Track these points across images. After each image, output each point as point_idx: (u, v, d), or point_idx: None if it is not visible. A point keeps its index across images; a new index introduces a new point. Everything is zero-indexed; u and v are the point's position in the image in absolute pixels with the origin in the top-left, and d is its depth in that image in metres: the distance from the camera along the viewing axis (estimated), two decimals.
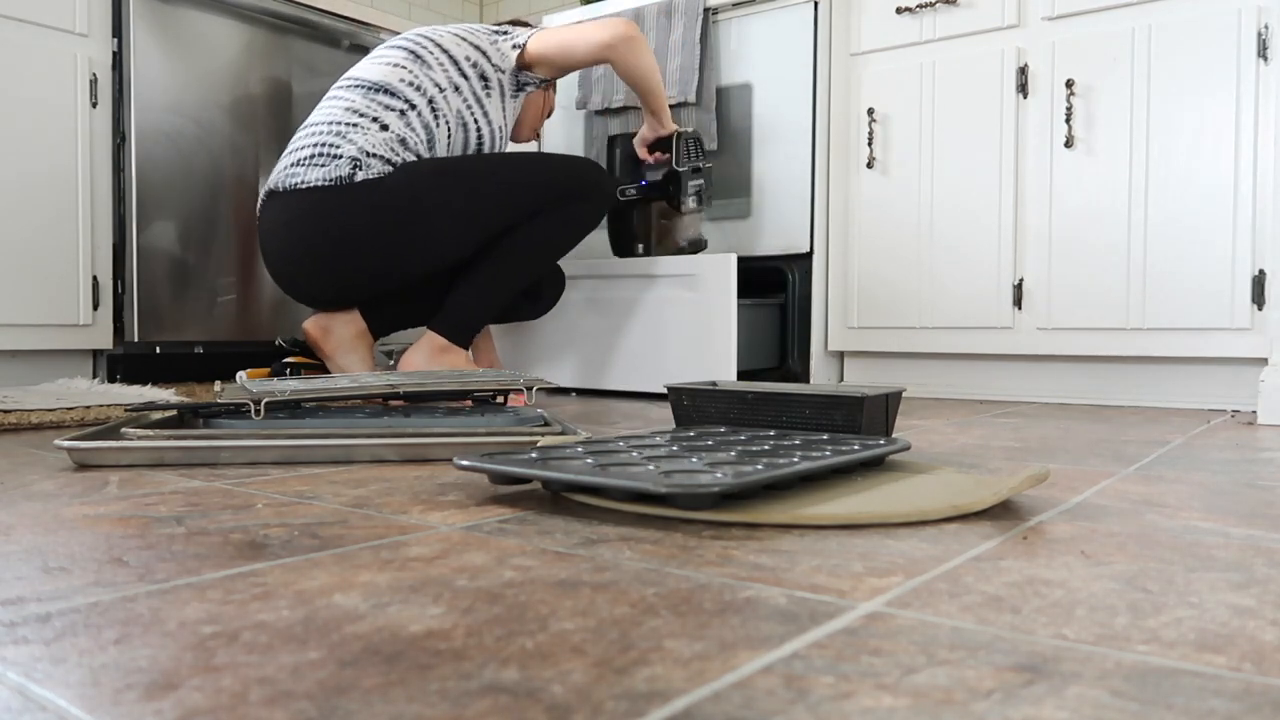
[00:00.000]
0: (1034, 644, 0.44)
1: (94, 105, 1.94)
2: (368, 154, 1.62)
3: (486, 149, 1.77)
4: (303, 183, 1.63)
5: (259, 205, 1.73)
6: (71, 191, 1.90)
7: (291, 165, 1.66)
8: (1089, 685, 0.39)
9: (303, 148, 1.67)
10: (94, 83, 1.93)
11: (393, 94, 1.67)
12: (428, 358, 1.69)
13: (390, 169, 1.63)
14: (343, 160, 1.62)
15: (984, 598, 0.52)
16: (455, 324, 1.71)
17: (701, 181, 1.93)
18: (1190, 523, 0.73)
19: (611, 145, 2.04)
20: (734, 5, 2.11)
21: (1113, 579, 0.56)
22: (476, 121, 1.73)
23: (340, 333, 1.74)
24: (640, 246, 2.02)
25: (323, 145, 1.64)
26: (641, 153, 1.95)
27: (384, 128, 1.65)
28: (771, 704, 0.37)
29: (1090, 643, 0.45)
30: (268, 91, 2.20)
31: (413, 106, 1.66)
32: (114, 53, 1.97)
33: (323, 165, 1.63)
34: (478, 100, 1.73)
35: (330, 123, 1.67)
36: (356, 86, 1.70)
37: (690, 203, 1.91)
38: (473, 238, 1.68)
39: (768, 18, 2.07)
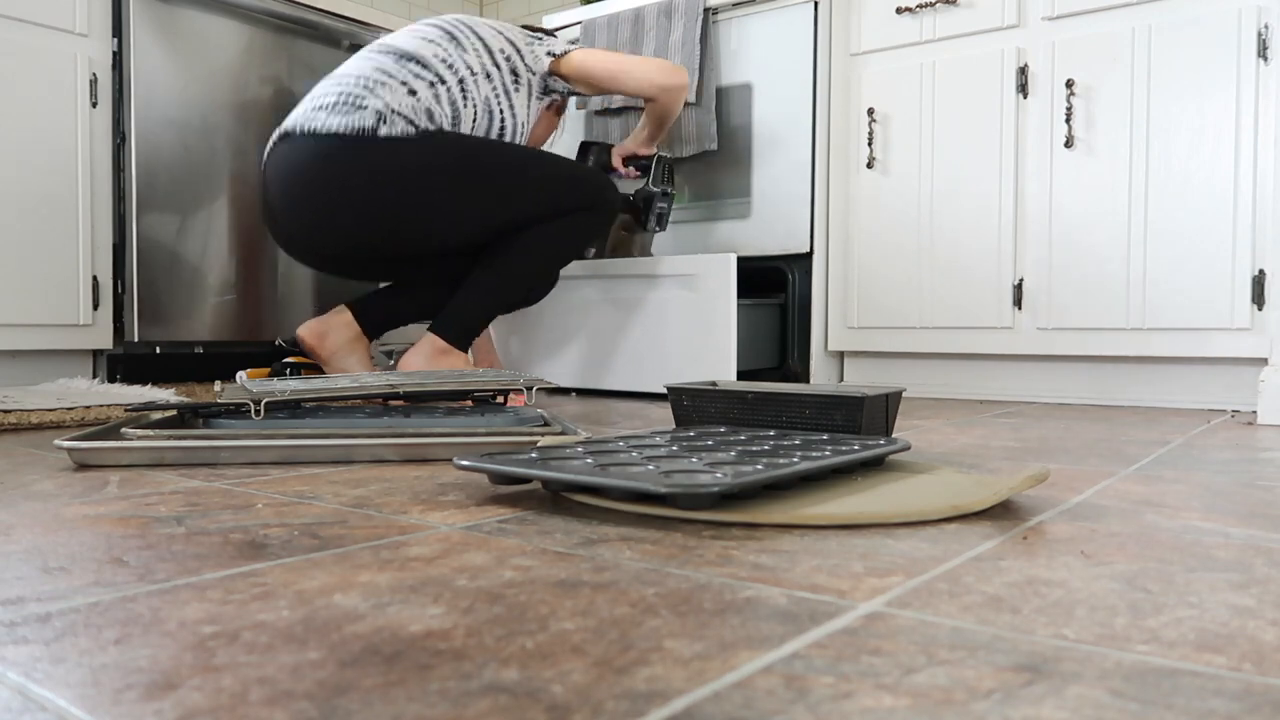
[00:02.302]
0: (1034, 644, 0.44)
1: (94, 105, 1.94)
2: (393, 111, 1.61)
3: (508, 139, 1.77)
4: (323, 127, 1.60)
5: (268, 147, 1.70)
6: (71, 192, 1.90)
7: (313, 109, 1.64)
8: (1089, 685, 0.39)
9: (326, 94, 1.64)
10: (94, 83, 1.93)
11: (424, 65, 1.66)
12: (427, 360, 1.69)
13: (413, 131, 1.62)
14: (367, 112, 1.60)
15: (984, 598, 0.52)
16: (457, 327, 1.71)
17: (665, 206, 1.97)
18: (1190, 523, 0.73)
19: (585, 151, 2.01)
20: (734, 5, 2.11)
21: (1113, 579, 0.56)
22: (502, 112, 1.72)
23: (335, 337, 1.73)
24: (592, 250, 2.06)
25: (348, 95, 1.62)
26: (617, 162, 1.95)
27: (412, 93, 1.63)
28: (771, 704, 0.37)
29: (1090, 643, 0.45)
30: (268, 91, 2.20)
31: (443, 81, 1.66)
32: (114, 53, 1.97)
33: (346, 113, 1.60)
34: (506, 92, 1.72)
35: (359, 76, 1.65)
36: (389, 53, 1.68)
37: (653, 223, 1.97)
38: (480, 225, 1.67)
39: (768, 18, 2.07)
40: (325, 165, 1.60)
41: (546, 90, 1.79)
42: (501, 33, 1.75)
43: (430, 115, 1.63)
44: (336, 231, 1.64)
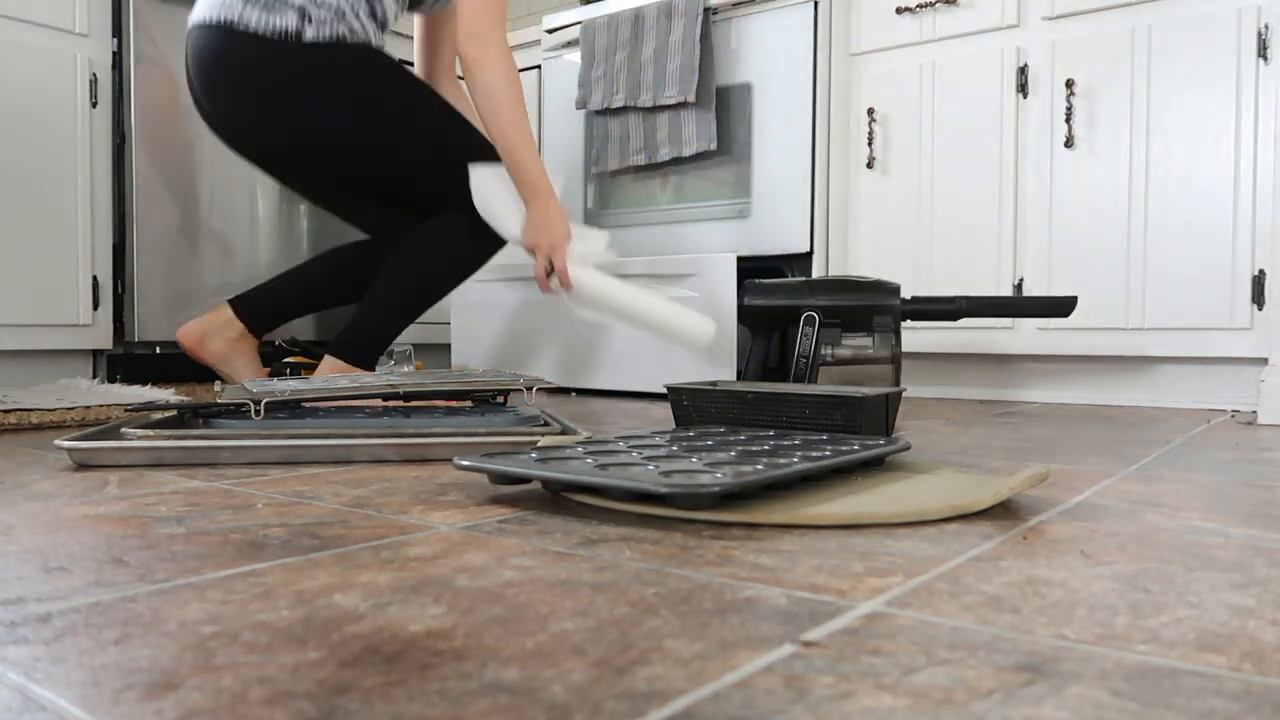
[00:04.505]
0: (1034, 644, 0.44)
1: (94, 105, 1.94)
2: (315, 4, 1.50)
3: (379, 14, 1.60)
4: (239, 22, 1.48)
5: (189, 25, 1.58)
6: (71, 191, 1.90)
7: None
8: (1089, 685, 0.39)
9: None
10: (94, 83, 1.93)
11: None
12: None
13: (342, 29, 1.50)
14: (289, 9, 1.48)
15: (984, 598, 0.52)
16: (356, 346, 1.60)
17: None
18: (1190, 523, 0.73)
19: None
20: (734, 5, 2.11)
21: (1113, 579, 0.56)
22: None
23: (217, 339, 1.63)
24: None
25: None
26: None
27: None
28: (771, 704, 0.37)
29: (1090, 643, 0.45)
30: None
31: None
32: (114, 53, 1.97)
33: (266, 6, 1.48)
34: None
35: None
36: None
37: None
38: (384, 157, 1.57)
39: (768, 18, 2.07)
40: (244, 66, 1.50)
41: None
42: None
43: (340, 13, 1.52)
44: (258, 130, 1.56)
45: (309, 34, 1.48)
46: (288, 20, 1.48)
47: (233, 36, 1.49)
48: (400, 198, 1.68)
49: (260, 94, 1.52)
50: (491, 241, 1.65)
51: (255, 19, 1.49)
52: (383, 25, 1.60)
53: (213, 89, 1.56)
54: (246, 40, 1.49)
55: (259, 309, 1.67)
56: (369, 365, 1.64)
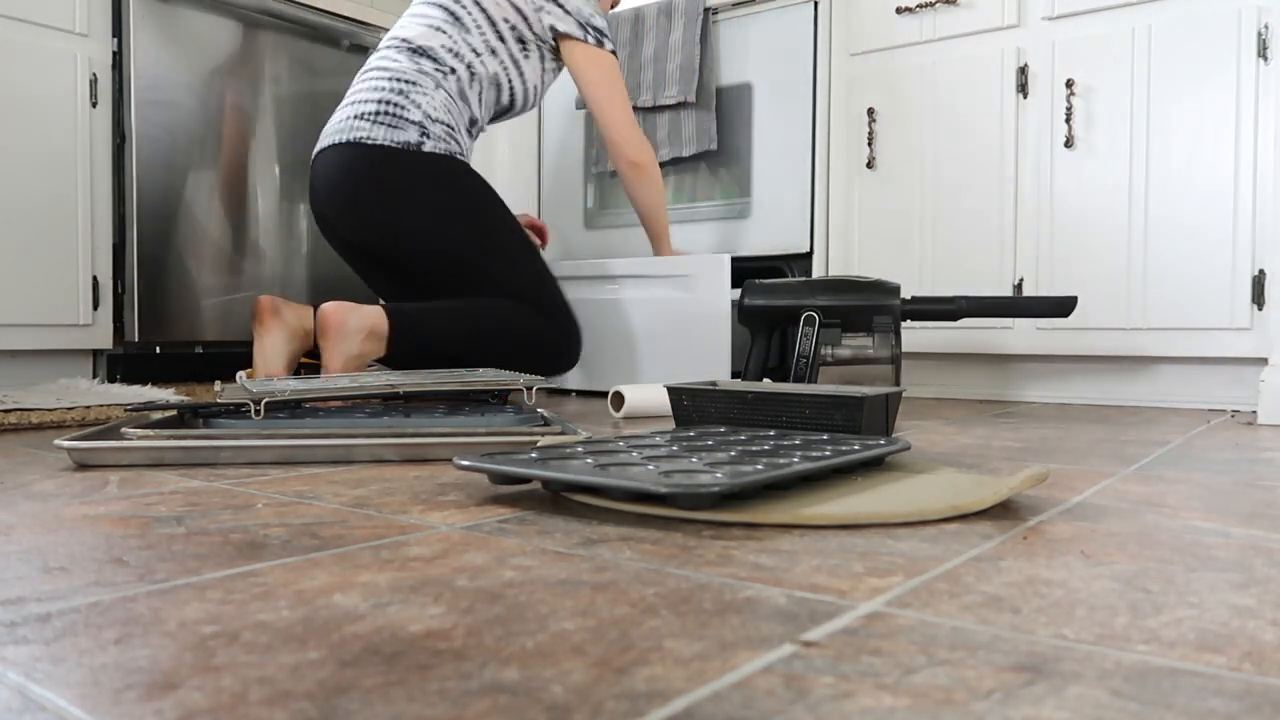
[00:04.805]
0: (1034, 644, 0.44)
1: (94, 105, 1.94)
2: (431, 119, 1.71)
3: (518, 104, 1.84)
4: (368, 138, 1.69)
5: (315, 151, 1.78)
6: (71, 191, 1.90)
7: (355, 118, 1.71)
8: (1089, 685, 0.39)
9: (365, 101, 1.72)
10: (94, 83, 1.93)
11: (434, 59, 1.74)
12: (351, 310, 1.61)
13: (453, 146, 1.72)
14: (411, 126, 1.69)
15: (984, 598, 0.52)
16: (399, 324, 1.62)
17: None
18: (1190, 523, 0.73)
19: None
20: (734, 5, 2.11)
21: (1113, 579, 0.56)
22: (511, 82, 1.79)
23: (286, 316, 1.67)
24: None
25: (388, 104, 1.71)
26: None
27: (437, 86, 1.73)
28: (771, 704, 0.37)
29: (1090, 643, 0.45)
30: (268, 91, 2.20)
31: (451, 71, 1.74)
32: (114, 53, 1.97)
33: (391, 125, 1.69)
34: (514, 62, 1.79)
35: (391, 78, 1.73)
36: (402, 48, 1.76)
37: None
38: (476, 260, 1.72)
39: (768, 18, 2.07)
40: (374, 172, 1.69)
41: (559, 55, 1.84)
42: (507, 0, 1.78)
43: (449, 110, 1.73)
44: (372, 225, 1.72)
45: (428, 146, 1.70)
46: (409, 135, 1.70)
47: (363, 149, 1.70)
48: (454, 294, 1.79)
49: (385, 194, 1.71)
50: (546, 367, 1.77)
51: (382, 135, 1.70)
52: (475, 138, 1.85)
53: (339, 195, 1.74)
54: (375, 151, 1.70)
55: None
56: (400, 348, 1.62)
